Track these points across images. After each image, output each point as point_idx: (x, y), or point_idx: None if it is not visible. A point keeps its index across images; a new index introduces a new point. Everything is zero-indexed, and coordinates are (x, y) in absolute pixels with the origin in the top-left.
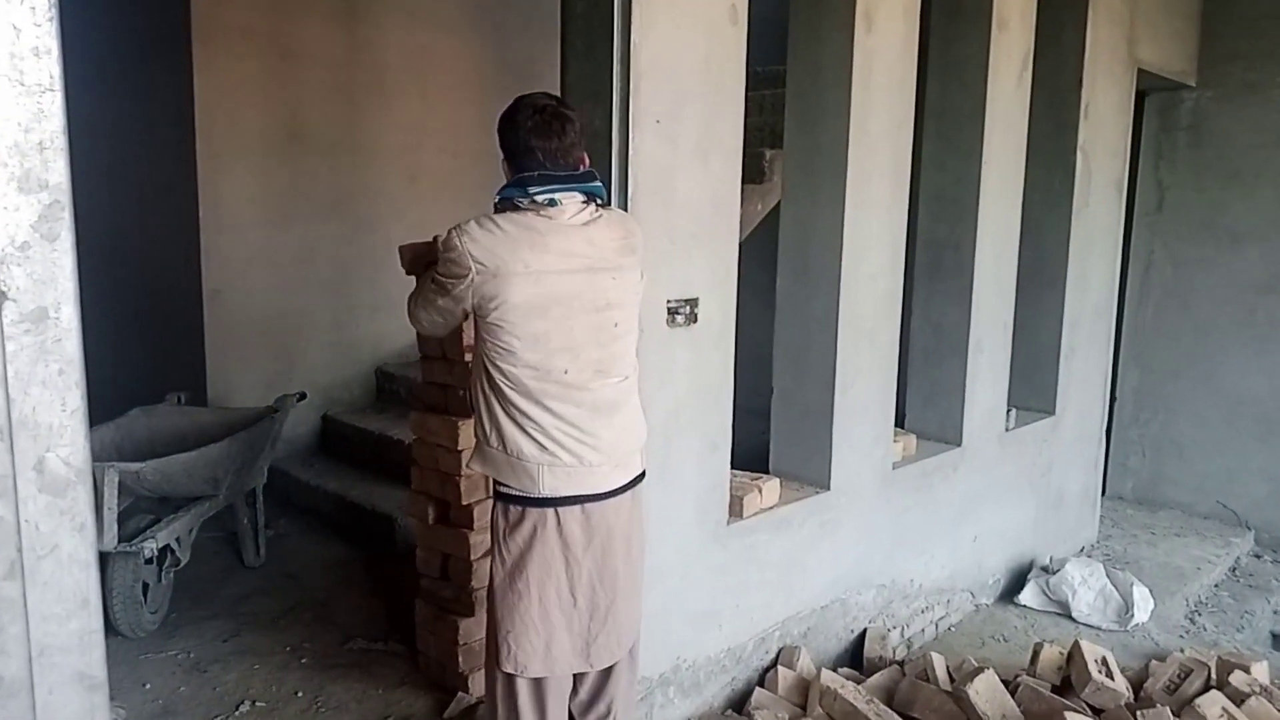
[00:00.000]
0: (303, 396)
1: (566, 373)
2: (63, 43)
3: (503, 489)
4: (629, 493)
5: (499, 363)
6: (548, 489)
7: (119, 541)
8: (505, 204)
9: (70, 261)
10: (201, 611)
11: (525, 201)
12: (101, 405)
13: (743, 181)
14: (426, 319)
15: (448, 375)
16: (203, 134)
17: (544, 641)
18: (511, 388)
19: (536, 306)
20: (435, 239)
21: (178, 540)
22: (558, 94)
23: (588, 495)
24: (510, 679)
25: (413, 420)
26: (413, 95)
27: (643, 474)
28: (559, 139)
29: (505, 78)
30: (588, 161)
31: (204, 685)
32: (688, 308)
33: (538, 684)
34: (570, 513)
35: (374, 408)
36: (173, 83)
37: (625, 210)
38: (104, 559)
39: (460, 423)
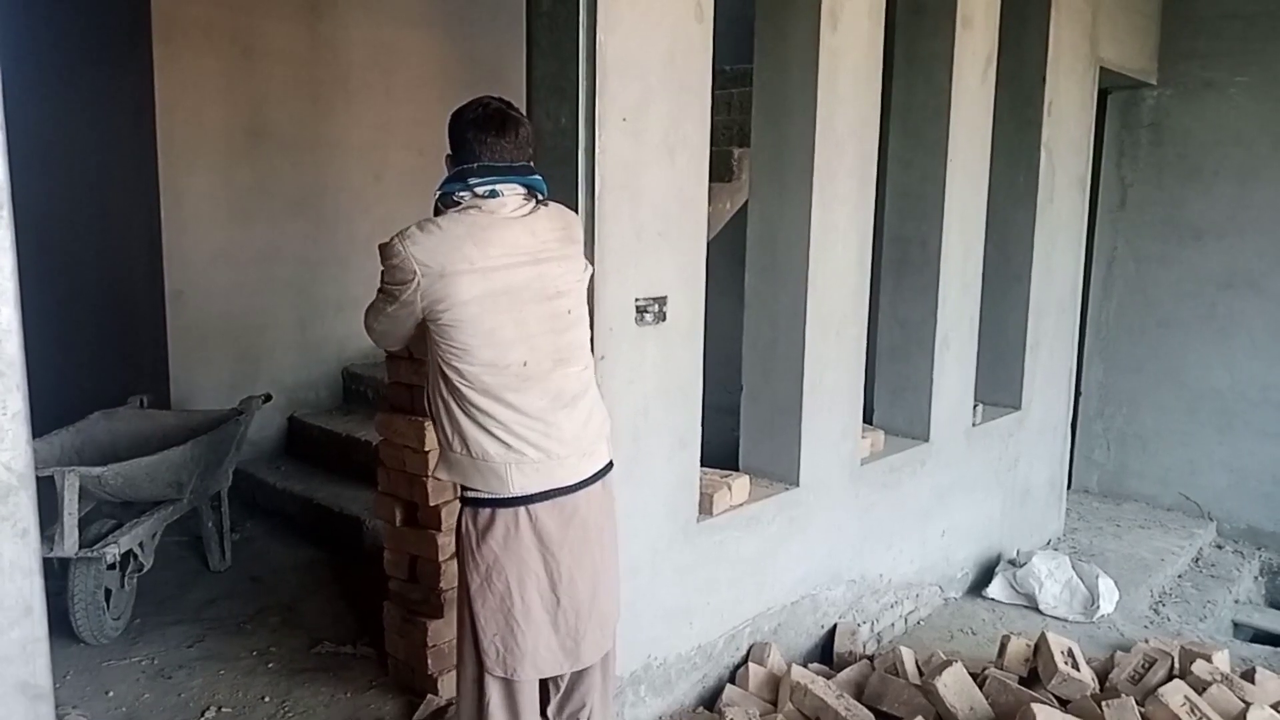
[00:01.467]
0: (268, 398)
1: (525, 364)
2: (14, 39)
3: (470, 493)
4: (599, 482)
5: (454, 363)
6: (517, 488)
7: (80, 547)
8: (445, 200)
9: (9, 261)
10: (166, 617)
11: (466, 195)
12: (62, 409)
13: (711, 180)
14: (379, 329)
15: (414, 375)
16: (163, 132)
17: (532, 642)
18: (469, 387)
19: (486, 301)
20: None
21: (141, 545)
22: (523, 90)
23: (558, 489)
24: (480, 683)
25: (379, 421)
26: (378, 92)
27: (610, 464)
28: (502, 137)
29: (472, 74)
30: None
31: (169, 691)
32: (656, 306)
33: (510, 685)
34: (543, 508)
35: (340, 409)
36: (132, 80)
37: (593, 208)
38: (65, 565)
39: (426, 423)
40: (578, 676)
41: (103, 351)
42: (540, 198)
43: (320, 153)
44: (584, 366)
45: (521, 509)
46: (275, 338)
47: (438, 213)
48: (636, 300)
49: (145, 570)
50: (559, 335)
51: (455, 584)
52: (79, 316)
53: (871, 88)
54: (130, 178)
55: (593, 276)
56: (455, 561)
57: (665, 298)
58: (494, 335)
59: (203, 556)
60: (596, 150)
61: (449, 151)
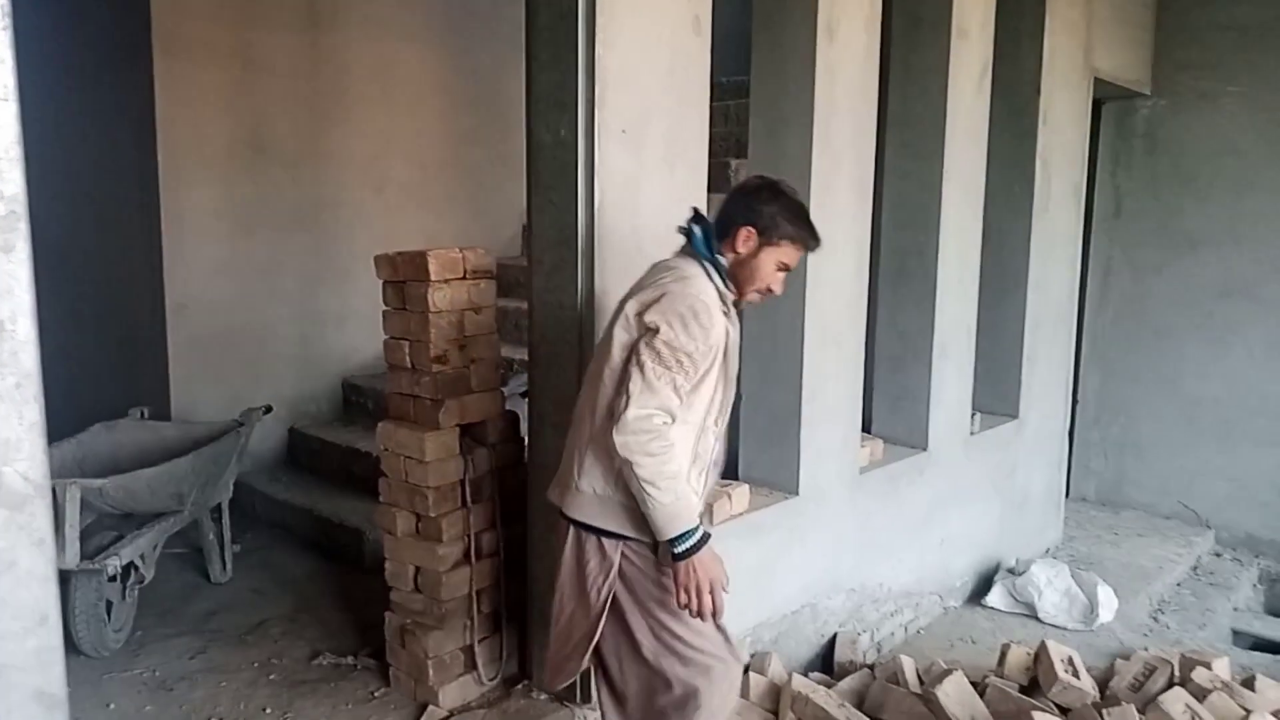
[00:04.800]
0: (269, 410)
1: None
2: (18, 52)
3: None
4: (568, 526)
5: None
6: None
7: (81, 559)
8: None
9: (26, 274)
10: (167, 629)
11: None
12: (63, 421)
13: (709, 191)
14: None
15: (415, 386)
16: (165, 146)
17: None
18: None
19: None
20: (642, 319)
21: (142, 557)
22: (523, 103)
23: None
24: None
25: (380, 431)
26: (378, 105)
27: (581, 523)
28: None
29: (472, 88)
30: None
31: (170, 703)
32: None
33: None
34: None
35: (341, 420)
36: (134, 94)
37: (592, 220)
38: (66, 577)
39: (427, 434)
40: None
41: (104, 363)
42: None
43: (321, 166)
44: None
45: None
46: (276, 350)
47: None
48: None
49: (146, 582)
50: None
51: (457, 594)
52: (80, 328)
53: (868, 99)
54: (131, 191)
55: (593, 287)
56: (457, 571)
57: None
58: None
59: (204, 568)
60: (596, 162)
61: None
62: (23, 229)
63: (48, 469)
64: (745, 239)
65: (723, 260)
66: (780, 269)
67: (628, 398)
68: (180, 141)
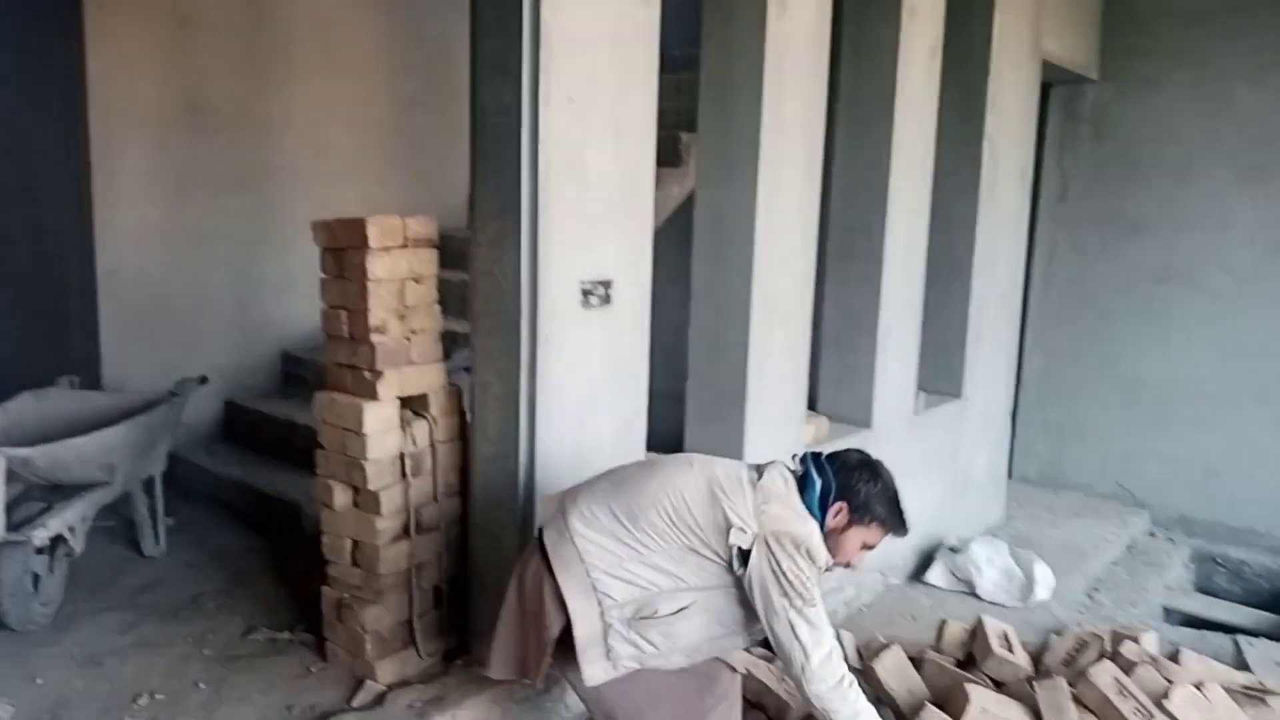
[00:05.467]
0: (204, 380)
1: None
2: None
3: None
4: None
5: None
6: None
7: (7, 530)
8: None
9: None
10: (97, 603)
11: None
12: None
13: (659, 165)
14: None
15: (353, 357)
16: (96, 106)
17: None
18: None
19: None
20: (770, 546)
21: (71, 529)
22: (467, 68)
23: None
24: None
25: (318, 402)
26: (320, 68)
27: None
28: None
29: (417, 52)
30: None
31: (100, 679)
32: (602, 289)
33: None
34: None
35: (280, 392)
36: (62, 49)
37: (536, 188)
38: None
39: (366, 406)
40: None
41: (32, 330)
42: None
43: (260, 129)
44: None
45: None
46: (213, 319)
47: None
48: (581, 283)
49: (75, 555)
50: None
51: (396, 569)
52: (8, 296)
53: (818, 75)
54: (60, 151)
55: (536, 259)
56: (396, 545)
57: (611, 281)
58: None
59: (136, 542)
60: (540, 129)
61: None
62: None
63: None
64: (836, 512)
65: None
66: (864, 548)
67: (804, 649)
68: (112, 102)
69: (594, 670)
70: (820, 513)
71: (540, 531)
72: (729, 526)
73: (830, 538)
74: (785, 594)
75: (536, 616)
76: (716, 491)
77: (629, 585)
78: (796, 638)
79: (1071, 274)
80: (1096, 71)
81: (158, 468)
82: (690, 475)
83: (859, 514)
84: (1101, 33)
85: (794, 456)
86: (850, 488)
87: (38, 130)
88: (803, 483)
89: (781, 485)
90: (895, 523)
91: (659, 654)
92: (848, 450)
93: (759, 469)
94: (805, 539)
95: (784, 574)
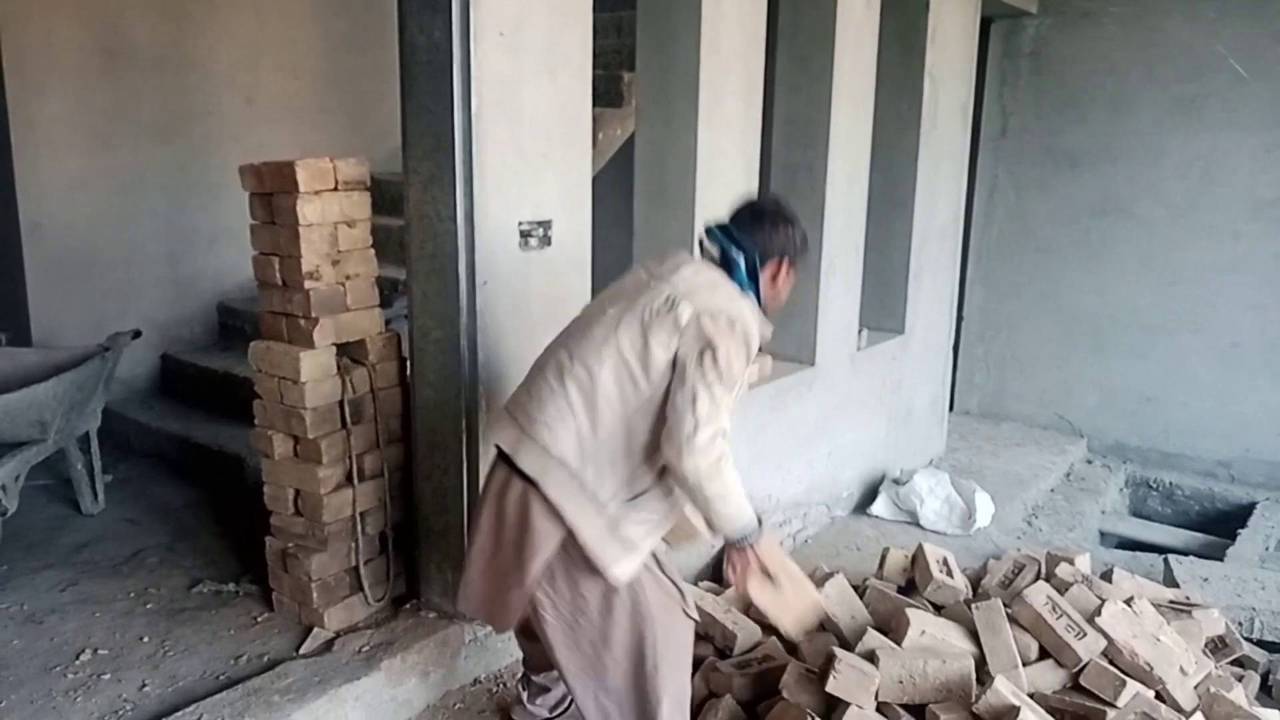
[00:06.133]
0: (137, 334)
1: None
2: None
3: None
4: (523, 484)
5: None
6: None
7: None
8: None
9: None
10: (35, 562)
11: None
12: None
13: (601, 105)
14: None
15: (287, 304)
16: (9, 50)
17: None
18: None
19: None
20: (704, 332)
21: (2, 488)
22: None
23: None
24: None
25: (253, 351)
26: (246, 9)
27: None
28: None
29: None
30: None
31: (40, 636)
32: (541, 230)
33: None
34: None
35: (217, 345)
36: None
37: (469, 126)
38: None
39: (303, 353)
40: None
41: None
42: (725, 261)
43: (185, 74)
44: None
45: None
46: (143, 271)
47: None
48: (520, 224)
49: (9, 514)
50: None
51: (340, 516)
52: None
53: (757, 9)
54: None
55: (472, 199)
56: (339, 494)
57: (550, 221)
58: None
59: (74, 500)
60: (473, 65)
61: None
62: None
63: None
64: (785, 268)
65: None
66: (787, 284)
67: (696, 420)
68: (27, 45)
69: (621, 567)
70: (753, 284)
71: (502, 452)
72: (674, 325)
73: (775, 291)
74: (701, 366)
75: (518, 546)
76: (644, 317)
77: (613, 468)
78: (694, 408)
79: (1011, 209)
80: (1035, 5)
81: (92, 424)
82: (612, 323)
83: (787, 266)
84: None
85: (702, 238)
86: (775, 247)
87: None
88: (726, 263)
89: (708, 273)
90: (806, 247)
91: (667, 514)
92: (748, 206)
93: (673, 266)
94: (739, 317)
95: (713, 349)
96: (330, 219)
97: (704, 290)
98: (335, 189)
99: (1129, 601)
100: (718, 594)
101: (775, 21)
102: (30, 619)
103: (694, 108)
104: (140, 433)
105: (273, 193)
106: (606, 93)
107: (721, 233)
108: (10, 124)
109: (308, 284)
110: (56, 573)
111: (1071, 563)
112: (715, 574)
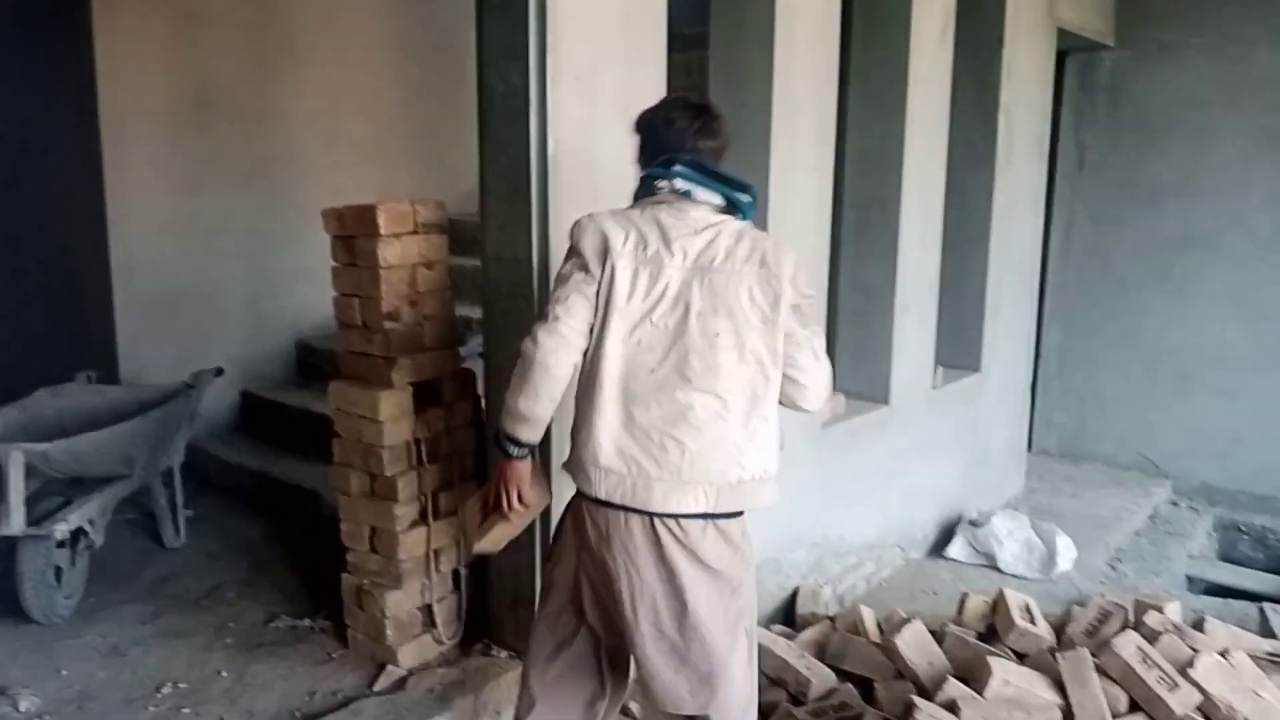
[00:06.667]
0: (220, 372)
1: (652, 372)
2: None
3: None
4: (694, 522)
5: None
6: (603, 492)
7: (28, 524)
8: (646, 185)
9: None
10: (119, 595)
11: (665, 186)
12: (8, 386)
13: None
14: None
15: (366, 344)
16: (106, 101)
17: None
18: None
19: (639, 292)
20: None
21: (91, 522)
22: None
23: (637, 509)
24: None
25: (332, 390)
26: (328, 57)
27: (730, 514)
28: (711, 138)
29: (424, 39)
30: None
31: (123, 669)
32: None
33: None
34: (604, 514)
35: (295, 382)
36: (72, 47)
37: (545, 169)
38: (14, 544)
39: (381, 393)
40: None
41: (48, 327)
42: (739, 215)
43: (269, 121)
44: (719, 397)
45: (591, 508)
46: (226, 310)
47: (635, 199)
48: None
49: (96, 548)
50: (700, 356)
51: (414, 554)
52: (23, 292)
53: (829, 47)
54: (72, 148)
55: (548, 242)
56: (414, 531)
57: None
58: (634, 332)
59: (156, 534)
60: (550, 111)
61: (638, 152)
62: None
63: None
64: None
65: None
66: None
67: (816, 359)
68: (122, 96)
69: (769, 497)
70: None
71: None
72: (777, 296)
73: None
74: (807, 323)
75: (719, 593)
76: (772, 268)
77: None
78: (815, 349)
79: (1089, 244)
80: (1112, 38)
81: (176, 459)
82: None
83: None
84: None
85: (663, 180)
86: (744, 186)
87: (49, 127)
88: (737, 210)
89: (745, 227)
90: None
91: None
92: (693, 127)
93: (713, 229)
94: (797, 259)
95: (808, 300)
96: (409, 261)
97: (759, 243)
98: (415, 232)
99: (1224, 653)
100: (790, 639)
101: (847, 58)
102: (114, 651)
103: (766, 146)
104: (220, 468)
105: (354, 236)
106: None
107: (724, 181)
108: (105, 169)
109: (387, 324)
110: (140, 605)
111: (1161, 610)
112: (788, 618)
